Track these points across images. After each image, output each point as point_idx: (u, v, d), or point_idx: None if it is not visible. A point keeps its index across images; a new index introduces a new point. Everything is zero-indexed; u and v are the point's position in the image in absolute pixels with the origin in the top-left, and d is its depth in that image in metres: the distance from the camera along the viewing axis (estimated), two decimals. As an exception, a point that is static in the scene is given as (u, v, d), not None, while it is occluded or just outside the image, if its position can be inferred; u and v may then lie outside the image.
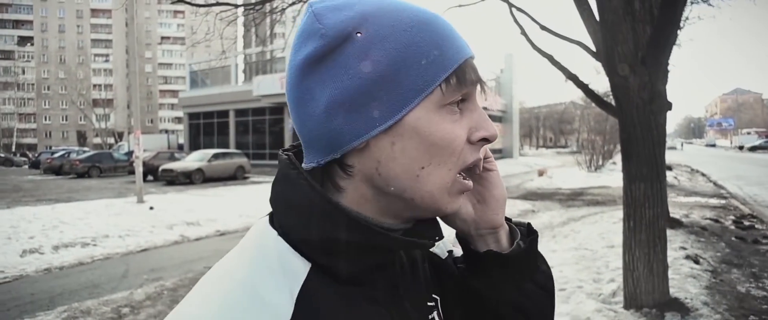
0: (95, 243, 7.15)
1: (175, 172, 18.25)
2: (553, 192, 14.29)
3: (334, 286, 0.47)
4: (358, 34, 0.45)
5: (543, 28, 6.36)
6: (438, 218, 0.57)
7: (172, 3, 3.85)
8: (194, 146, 29.24)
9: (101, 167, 23.42)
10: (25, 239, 7.22)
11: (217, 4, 4.12)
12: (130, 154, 23.53)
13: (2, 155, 40.30)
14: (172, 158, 21.63)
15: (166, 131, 58.80)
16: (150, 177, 19.54)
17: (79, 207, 10.52)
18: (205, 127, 31.22)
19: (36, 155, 35.03)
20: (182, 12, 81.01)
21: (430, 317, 0.58)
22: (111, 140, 54.51)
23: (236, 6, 5.16)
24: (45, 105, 77.28)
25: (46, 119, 77.72)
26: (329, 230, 0.46)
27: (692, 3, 6.82)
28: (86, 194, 14.84)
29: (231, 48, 7.49)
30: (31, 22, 78.25)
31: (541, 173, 19.72)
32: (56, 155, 28.19)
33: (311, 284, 0.46)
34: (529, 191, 14.96)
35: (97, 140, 61.25)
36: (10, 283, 5.52)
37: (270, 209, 0.53)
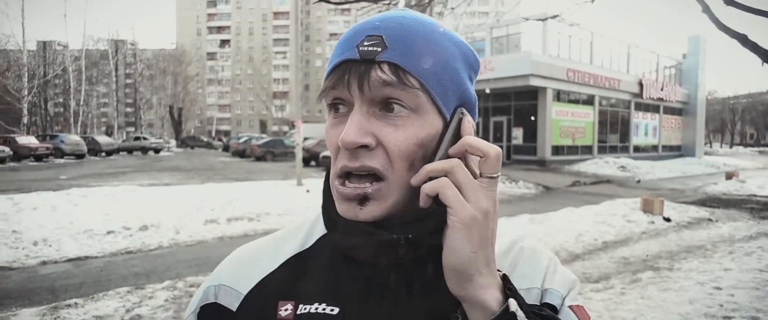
0: (258, 219, 8.21)
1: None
2: (743, 200, 11.93)
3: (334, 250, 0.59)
4: None
5: (729, 2, 5.36)
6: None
7: (314, 3, 4.17)
8: (352, 135, 31.37)
9: (274, 152, 26.52)
10: (208, 210, 8.62)
11: (349, 1, 4.34)
12: (299, 140, 26.26)
13: (205, 140, 48.84)
14: (332, 146, 23.40)
15: (331, 121, 64.10)
16: (313, 163, 21.55)
17: (251, 186, 12.18)
18: (361, 118, 33.24)
19: (227, 140, 41.56)
20: (348, 10, 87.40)
21: None
22: (285, 128, 61.73)
23: (376, 2, 5.34)
24: (237, 97, 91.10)
25: (237, 109, 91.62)
26: (324, 214, 0.60)
27: None
28: (260, 175, 17.11)
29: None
30: (229, 27, 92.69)
31: (729, 176, 16.63)
32: (241, 141, 33.01)
33: (323, 239, 0.62)
34: (710, 196, 12.76)
35: (275, 128, 70.07)
36: (194, 246, 6.68)
37: None
